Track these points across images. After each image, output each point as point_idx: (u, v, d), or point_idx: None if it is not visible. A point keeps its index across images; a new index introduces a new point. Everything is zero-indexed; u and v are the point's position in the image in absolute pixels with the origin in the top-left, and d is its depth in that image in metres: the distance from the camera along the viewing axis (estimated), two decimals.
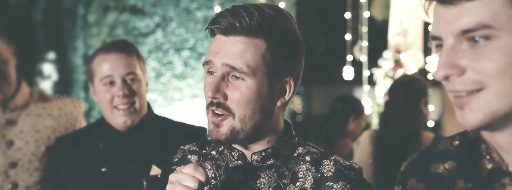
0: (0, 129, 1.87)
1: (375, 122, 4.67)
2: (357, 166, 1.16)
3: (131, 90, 1.68)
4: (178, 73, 5.27)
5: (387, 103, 2.82)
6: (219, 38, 1.10)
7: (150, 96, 5.01)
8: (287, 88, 1.14)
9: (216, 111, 1.09)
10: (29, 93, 1.95)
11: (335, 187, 1.11)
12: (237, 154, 1.16)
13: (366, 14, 4.68)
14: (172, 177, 1.05)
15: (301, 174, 1.15)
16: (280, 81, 1.12)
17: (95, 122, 1.89)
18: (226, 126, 1.09)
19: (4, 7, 5.64)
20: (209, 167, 1.20)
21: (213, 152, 1.22)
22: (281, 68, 1.11)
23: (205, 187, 1.10)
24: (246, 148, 1.16)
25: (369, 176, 2.71)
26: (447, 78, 0.78)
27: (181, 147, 1.29)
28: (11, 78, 1.85)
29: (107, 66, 1.70)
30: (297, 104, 15.56)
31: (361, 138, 2.90)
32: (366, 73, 4.91)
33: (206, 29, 1.11)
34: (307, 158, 1.17)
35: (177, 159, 1.27)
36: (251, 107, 1.09)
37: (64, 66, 5.52)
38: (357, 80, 5.25)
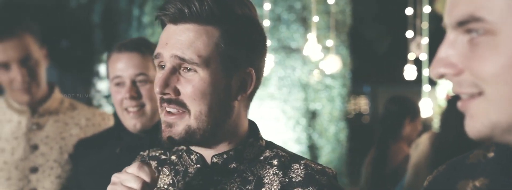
0: (27, 132, 1.85)
1: (437, 124, 4.36)
2: (330, 171, 1.03)
3: (139, 93, 1.59)
4: None
5: (449, 104, 2.58)
6: (169, 27, 0.98)
7: None
8: (248, 81, 1.00)
9: (168, 109, 0.98)
10: (60, 100, 1.95)
11: None
12: (196, 157, 1.04)
13: (426, 9, 4.38)
14: (114, 177, 0.96)
15: (267, 179, 1.02)
16: (238, 72, 0.99)
17: (114, 125, 1.82)
18: (181, 126, 0.97)
19: (64, 10, 5.81)
20: (167, 173, 1.09)
21: (173, 157, 1.11)
22: (238, 58, 0.98)
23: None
24: (206, 150, 1.03)
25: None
26: (441, 77, 0.64)
27: (141, 153, 1.19)
28: (41, 79, 1.84)
29: (118, 66, 1.63)
30: (363, 104, 15.21)
31: (420, 140, 2.67)
32: (426, 72, 4.59)
33: (156, 19, 0.98)
34: (275, 161, 1.04)
35: None
36: (207, 102, 0.97)
37: None
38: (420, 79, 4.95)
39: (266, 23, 3.50)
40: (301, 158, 1.06)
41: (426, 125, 4.23)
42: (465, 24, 0.61)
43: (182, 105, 0.97)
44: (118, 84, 1.61)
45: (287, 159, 1.04)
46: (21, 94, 1.80)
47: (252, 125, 1.08)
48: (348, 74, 4.88)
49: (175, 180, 1.07)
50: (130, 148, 1.65)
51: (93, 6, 5.67)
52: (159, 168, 1.11)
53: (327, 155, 4.77)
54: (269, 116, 4.85)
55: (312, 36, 3.20)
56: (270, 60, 3.59)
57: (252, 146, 1.05)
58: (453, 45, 0.63)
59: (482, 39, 0.60)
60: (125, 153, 1.66)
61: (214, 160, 1.03)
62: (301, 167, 1.02)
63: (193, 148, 1.04)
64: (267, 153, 1.06)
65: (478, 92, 0.62)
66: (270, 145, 1.09)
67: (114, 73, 1.62)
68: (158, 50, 0.98)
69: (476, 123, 0.63)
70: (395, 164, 3.07)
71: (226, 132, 1.02)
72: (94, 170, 1.70)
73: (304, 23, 4.86)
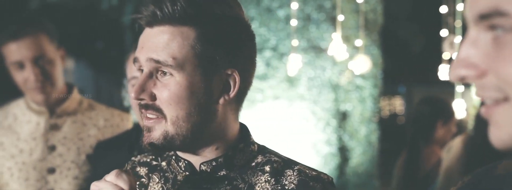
0: (45, 133, 1.87)
1: (471, 126, 4.21)
2: (326, 177, 0.99)
3: None
4: (260, 74, 5.17)
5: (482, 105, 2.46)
6: (145, 31, 0.96)
7: None
8: (231, 83, 0.97)
9: (147, 115, 0.95)
10: (79, 101, 1.96)
11: None
12: (184, 164, 1.01)
13: (460, 7, 4.22)
14: (93, 185, 0.95)
15: (258, 186, 0.97)
16: (218, 74, 0.96)
17: (133, 127, 1.81)
18: (158, 131, 0.95)
19: (95, 11, 5.90)
20: (157, 180, 1.06)
21: (163, 163, 1.08)
22: (218, 59, 0.94)
23: None
24: (193, 157, 0.99)
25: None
26: (462, 79, 0.56)
27: (132, 158, 1.16)
28: (56, 80, 1.85)
29: (131, 66, 1.62)
30: (398, 105, 14.92)
31: (453, 143, 2.57)
32: None
33: (134, 22, 0.96)
34: (267, 168, 1.00)
35: None
36: (184, 106, 0.93)
37: None
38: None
39: (293, 22, 3.44)
40: (296, 163, 1.01)
41: (461, 127, 4.08)
42: (488, 18, 0.53)
43: (158, 110, 0.94)
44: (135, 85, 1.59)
45: (280, 164, 1.00)
46: (35, 93, 1.81)
47: (243, 129, 1.05)
48: (379, 74, 4.76)
49: (165, 188, 1.04)
50: (145, 150, 1.64)
51: (123, 8, 5.73)
52: (150, 174, 1.08)
53: (358, 157, 4.67)
54: (299, 117, 4.78)
55: (337, 35, 3.13)
56: (298, 60, 3.53)
57: (242, 151, 1.01)
58: (475, 43, 0.55)
59: (508, 38, 0.52)
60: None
61: (203, 167, 0.99)
62: (295, 173, 0.97)
63: (181, 154, 1.01)
64: (259, 159, 1.01)
65: (503, 97, 0.54)
66: (263, 150, 1.05)
67: (131, 73, 1.61)
68: (136, 54, 0.96)
69: (501, 132, 0.55)
70: (427, 168, 2.96)
71: (211, 137, 0.98)
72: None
73: (334, 22, 4.77)
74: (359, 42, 3.51)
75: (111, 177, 0.94)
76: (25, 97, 1.91)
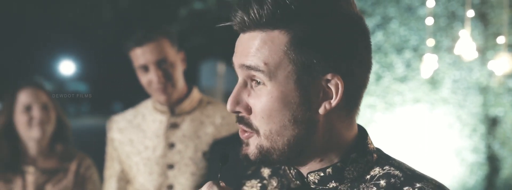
0: (166, 131, 1.97)
1: None
2: None
3: None
4: (399, 76, 4.90)
5: None
6: (239, 37, 0.88)
7: (369, 100, 4.78)
8: (333, 89, 0.84)
9: (242, 128, 0.88)
10: (198, 100, 2.04)
11: None
12: (294, 172, 0.93)
13: None
14: None
15: None
16: (316, 81, 0.84)
17: None
18: (252, 145, 0.88)
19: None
20: (275, 185, 1.00)
21: (283, 167, 1.00)
22: (315, 64, 0.83)
23: None
24: (301, 166, 0.91)
25: None
26: None
27: None
28: (177, 81, 1.95)
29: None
30: None
31: None
32: None
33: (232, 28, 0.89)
34: (382, 182, 0.86)
35: (250, 172, 1.10)
36: (277, 120, 0.84)
37: None
38: None
39: (429, 21, 3.20)
40: (420, 179, 0.85)
41: None
42: None
43: (249, 125, 0.88)
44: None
45: (400, 180, 0.86)
46: (158, 94, 1.93)
47: (360, 136, 0.92)
48: None
49: None
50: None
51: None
52: (272, 177, 1.03)
53: (510, 168, 4.19)
54: (441, 122, 4.45)
55: (464, 32, 2.82)
56: (434, 62, 3.28)
57: (355, 162, 0.89)
58: None
59: None
60: None
61: (310, 177, 0.91)
62: None
63: None
64: (376, 171, 0.89)
65: None
66: (383, 160, 0.91)
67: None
68: (232, 59, 0.91)
69: None
70: None
71: (315, 150, 0.89)
72: (229, 168, 1.74)
73: (483, 19, 4.36)
74: (501, 39, 3.13)
75: (204, 188, 0.90)
76: (152, 98, 2.05)
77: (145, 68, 1.91)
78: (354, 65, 0.85)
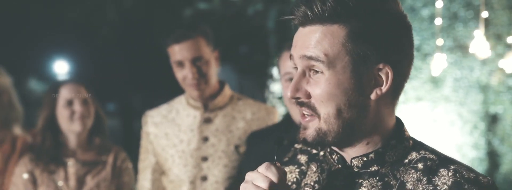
0: (199, 125, 2.08)
1: None
2: (486, 180, 0.90)
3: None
4: None
5: None
6: (299, 30, 0.99)
7: None
8: (384, 77, 0.95)
9: (304, 112, 0.98)
10: (230, 97, 2.14)
11: None
12: (337, 157, 1.03)
13: None
14: (247, 176, 1.00)
15: (410, 184, 0.94)
16: (370, 70, 0.95)
17: (284, 119, 1.95)
18: (311, 128, 0.98)
19: (242, 17, 6.26)
20: (314, 169, 1.09)
21: (321, 153, 1.10)
22: (369, 55, 0.94)
23: (307, 189, 1.03)
24: (345, 151, 1.01)
25: None
26: None
27: (295, 145, 1.19)
28: (211, 78, 2.05)
29: (288, 63, 1.74)
30: None
31: None
32: None
33: (291, 22, 0.99)
34: (420, 165, 0.96)
35: (286, 159, 1.18)
36: (334, 104, 0.95)
37: None
38: None
39: (438, 21, 3.35)
40: (453, 162, 0.96)
41: None
42: None
43: (312, 108, 0.97)
44: (288, 80, 1.75)
45: (435, 163, 0.96)
46: (192, 89, 2.04)
47: (398, 124, 1.03)
48: None
49: (321, 178, 1.07)
50: (295, 141, 1.77)
51: (268, 13, 6.00)
52: (309, 163, 1.12)
53: (510, 164, 4.35)
54: (443, 120, 4.60)
55: (479, 32, 2.98)
56: (443, 60, 3.43)
57: (394, 148, 1.00)
58: None
59: None
60: (291, 145, 1.78)
61: (354, 162, 1.01)
62: (450, 174, 0.93)
63: (334, 148, 1.04)
64: (413, 155, 0.99)
65: None
66: (419, 146, 1.02)
67: (284, 69, 1.76)
68: (291, 52, 1.01)
69: None
70: None
71: (364, 132, 0.98)
72: (262, 158, 1.86)
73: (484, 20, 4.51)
74: (511, 39, 3.30)
75: (262, 169, 0.98)
76: (186, 93, 2.16)
77: (181, 64, 2.02)
78: (401, 56, 0.97)
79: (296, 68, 1.00)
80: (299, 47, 0.98)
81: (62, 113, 2.19)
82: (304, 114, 0.99)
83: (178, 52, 2.00)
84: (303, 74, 0.98)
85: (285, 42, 5.97)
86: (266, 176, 0.96)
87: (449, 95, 4.59)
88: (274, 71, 5.95)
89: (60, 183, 2.14)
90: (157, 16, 7.29)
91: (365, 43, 0.94)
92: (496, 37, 4.09)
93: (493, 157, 4.44)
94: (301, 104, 0.99)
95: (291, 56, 1.01)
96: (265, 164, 0.98)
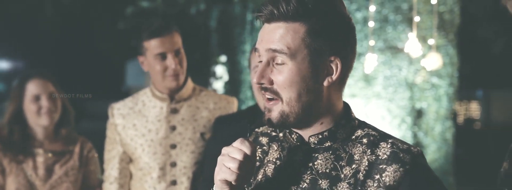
0: (167, 115, 2.23)
1: None
2: (416, 150, 1.11)
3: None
4: None
5: None
6: (264, 26, 1.15)
7: None
8: (334, 67, 1.13)
9: (267, 96, 1.14)
10: (192, 88, 2.30)
11: (388, 170, 1.08)
12: (296, 136, 1.19)
13: None
14: (223, 150, 1.13)
15: (357, 156, 1.13)
16: (323, 61, 1.12)
17: (251, 107, 2.16)
18: (276, 111, 1.13)
19: (184, 16, 6.39)
20: (276, 148, 1.24)
21: (280, 134, 1.26)
22: (323, 49, 1.11)
23: (270, 165, 1.18)
24: (303, 130, 1.17)
25: None
26: None
27: (256, 129, 1.34)
28: (185, 70, 2.22)
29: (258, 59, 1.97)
30: (474, 110, 14.40)
31: None
32: None
33: (256, 19, 1.16)
34: (364, 140, 1.14)
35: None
36: (295, 89, 1.11)
37: (233, 68, 6.06)
38: None
39: (371, 24, 3.68)
40: (390, 137, 1.15)
41: None
42: None
43: (275, 93, 1.13)
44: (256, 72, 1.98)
45: (377, 138, 1.14)
46: (171, 80, 2.17)
47: (346, 107, 1.20)
48: (455, 73, 4.85)
49: (282, 155, 1.23)
50: (261, 124, 1.99)
51: (210, 12, 6.17)
52: (270, 143, 1.27)
53: (433, 154, 4.79)
54: (375, 115, 4.96)
55: (412, 35, 3.36)
56: (374, 60, 3.74)
57: (344, 127, 1.17)
58: None
59: None
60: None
61: (311, 139, 1.17)
62: (388, 146, 1.11)
63: (293, 128, 1.19)
64: (359, 133, 1.16)
65: None
66: (363, 124, 1.20)
67: (254, 63, 1.97)
68: (256, 45, 1.17)
69: None
70: None
71: (318, 114, 1.15)
72: (228, 140, 2.05)
73: (411, 23, 4.94)
74: (431, 41, 3.70)
75: (236, 143, 1.11)
76: (150, 86, 2.29)
77: (163, 56, 2.14)
78: (348, 51, 1.15)
79: (261, 61, 1.15)
80: (265, 41, 1.12)
81: (29, 108, 2.23)
82: (268, 98, 1.15)
83: (161, 45, 2.11)
84: (268, 64, 1.12)
85: (227, 40, 6.12)
86: (240, 149, 1.10)
87: (380, 92, 4.94)
88: (217, 69, 6.13)
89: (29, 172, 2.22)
90: (97, 14, 7.24)
91: (320, 38, 1.10)
92: (421, 39, 4.49)
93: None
94: (265, 89, 1.13)
95: (256, 49, 1.16)
96: (240, 140, 1.12)
